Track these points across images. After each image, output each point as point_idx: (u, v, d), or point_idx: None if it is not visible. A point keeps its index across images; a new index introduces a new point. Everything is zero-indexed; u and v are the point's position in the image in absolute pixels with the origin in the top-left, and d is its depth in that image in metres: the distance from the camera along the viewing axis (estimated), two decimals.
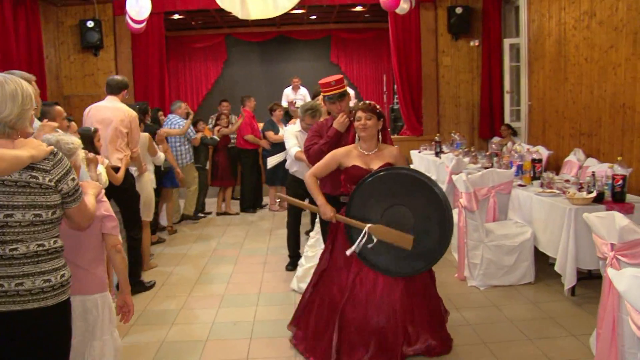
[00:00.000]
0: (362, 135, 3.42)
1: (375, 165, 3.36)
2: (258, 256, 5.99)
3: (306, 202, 4.13)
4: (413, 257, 3.26)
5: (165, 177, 6.81)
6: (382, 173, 3.28)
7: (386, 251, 3.25)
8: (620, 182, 4.06)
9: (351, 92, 11.29)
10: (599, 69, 5.88)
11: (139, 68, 9.32)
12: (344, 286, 3.37)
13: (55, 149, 2.06)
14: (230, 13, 9.92)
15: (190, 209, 7.76)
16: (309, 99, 10.97)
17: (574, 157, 6.03)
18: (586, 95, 6.18)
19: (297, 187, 5.13)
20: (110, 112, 4.88)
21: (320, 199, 3.37)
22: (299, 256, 5.23)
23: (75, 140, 2.73)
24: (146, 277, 5.16)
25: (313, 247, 4.68)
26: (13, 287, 1.96)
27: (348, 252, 3.27)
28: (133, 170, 5.19)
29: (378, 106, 3.53)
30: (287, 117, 8.11)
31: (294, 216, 5.48)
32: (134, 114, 5.03)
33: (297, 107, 7.92)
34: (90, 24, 8.88)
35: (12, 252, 1.96)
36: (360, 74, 13.70)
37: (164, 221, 7.23)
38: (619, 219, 2.88)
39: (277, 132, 7.94)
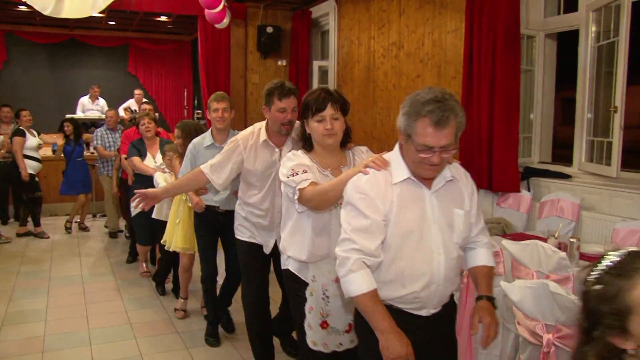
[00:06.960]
0: None
1: None
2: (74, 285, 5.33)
3: None
4: None
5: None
6: None
7: None
8: None
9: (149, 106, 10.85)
10: (406, 95, 6.44)
11: None
12: None
13: None
14: (15, 7, 8.78)
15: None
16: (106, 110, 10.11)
17: None
18: (394, 119, 6.73)
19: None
20: None
21: None
22: None
23: None
24: None
25: None
26: None
27: None
28: None
29: None
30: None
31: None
32: None
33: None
34: None
35: None
36: (159, 87, 13.09)
37: None
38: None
39: (144, 156, 5.44)
